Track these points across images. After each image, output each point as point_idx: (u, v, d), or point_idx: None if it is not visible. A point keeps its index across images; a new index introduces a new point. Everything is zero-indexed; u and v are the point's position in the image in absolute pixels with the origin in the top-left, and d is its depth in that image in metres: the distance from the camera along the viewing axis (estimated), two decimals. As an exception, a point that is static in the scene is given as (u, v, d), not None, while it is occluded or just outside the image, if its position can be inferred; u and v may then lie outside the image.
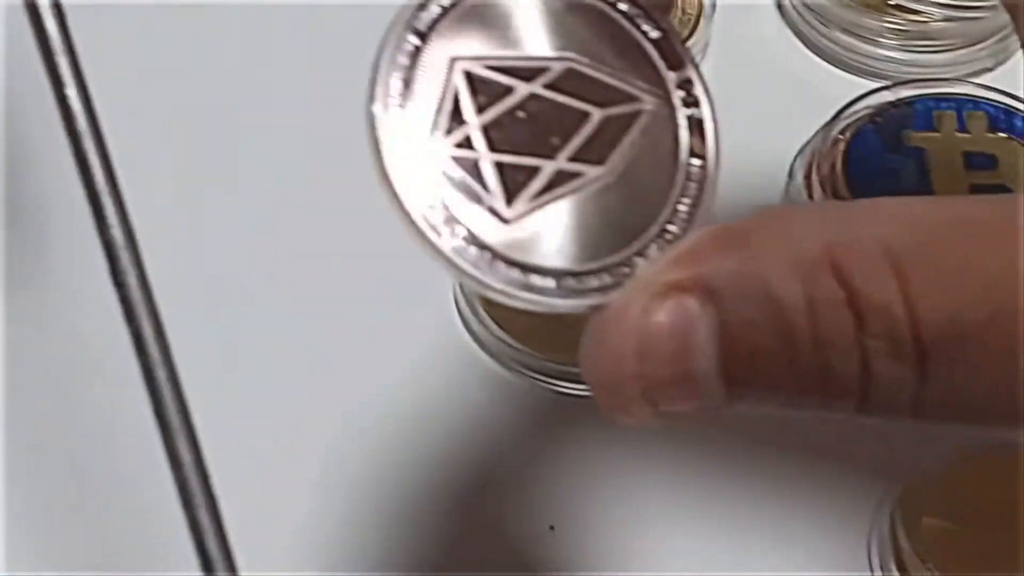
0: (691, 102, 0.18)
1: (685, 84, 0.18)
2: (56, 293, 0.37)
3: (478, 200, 0.17)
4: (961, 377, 0.17)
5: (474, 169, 0.17)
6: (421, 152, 0.17)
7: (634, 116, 0.18)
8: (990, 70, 0.31)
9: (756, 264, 0.16)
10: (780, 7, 0.32)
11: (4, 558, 0.32)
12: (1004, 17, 0.31)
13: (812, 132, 0.29)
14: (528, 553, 0.31)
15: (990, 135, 0.27)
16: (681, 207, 0.18)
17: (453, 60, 0.18)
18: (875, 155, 0.27)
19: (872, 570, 0.27)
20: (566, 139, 0.18)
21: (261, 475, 0.32)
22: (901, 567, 0.26)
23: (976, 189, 0.25)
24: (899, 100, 0.27)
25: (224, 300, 0.36)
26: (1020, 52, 0.31)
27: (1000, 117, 0.27)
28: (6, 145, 0.41)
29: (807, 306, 0.16)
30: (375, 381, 0.32)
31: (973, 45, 0.30)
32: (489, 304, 0.31)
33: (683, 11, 0.33)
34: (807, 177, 0.27)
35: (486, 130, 0.17)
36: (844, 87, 0.30)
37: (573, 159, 0.18)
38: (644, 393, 0.16)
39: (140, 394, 0.33)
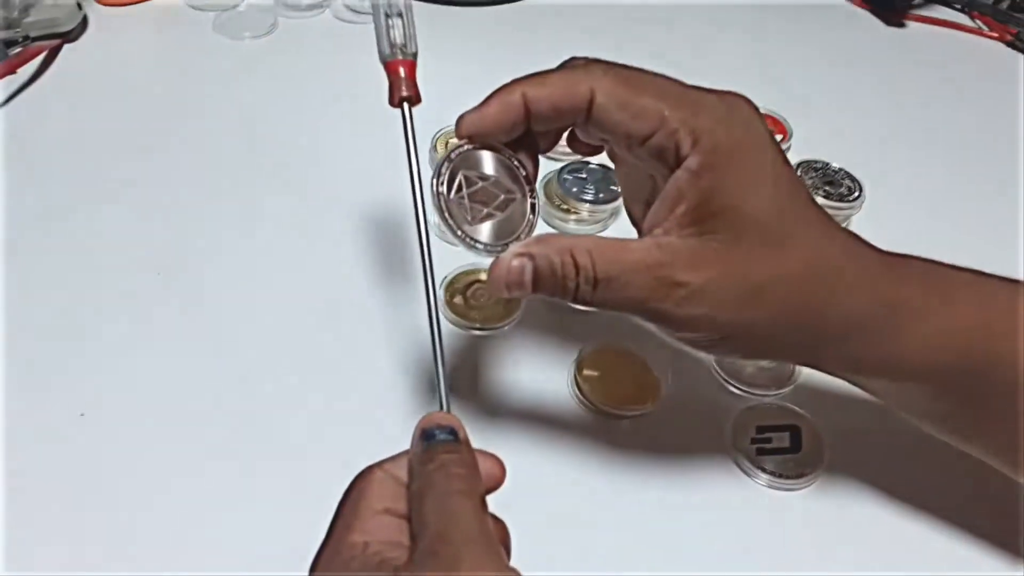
0: (533, 197, 0.35)
1: (531, 191, 0.35)
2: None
3: (465, 219, 0.33)
4: (608, 292, 0.32)
5: (462, 206, 0.33)
6: (447, 201, 0.32)
7: (515, 199, 0.34)
8: (603, 230, 0.53)
9: (546, 250, 0.32)
10: (533, 210, 0.39)
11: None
12: (607, 213, 0.53)
13: None
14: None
15: None
16: (526, 229, 0.34)
17: (460, 170, 0.33)
18: None
19: (572, 396, 0.45)
20: (492, 201, 0.33)
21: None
22: (582, 394, 0.46)
23: None
24: None
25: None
26: (611, 225, 0.54)
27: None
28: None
29: (561, 264, 0.32)
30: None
31: (597, 223, 0.54)
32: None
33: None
34: None
35: (469, 195, 0.33)
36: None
37: (495, 208, 0.33)
38: (507, 286, 0.33)
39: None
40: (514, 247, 0.34)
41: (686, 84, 0.35)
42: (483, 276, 0.51)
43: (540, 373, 0.47)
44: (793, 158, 0.61)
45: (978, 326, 0.34)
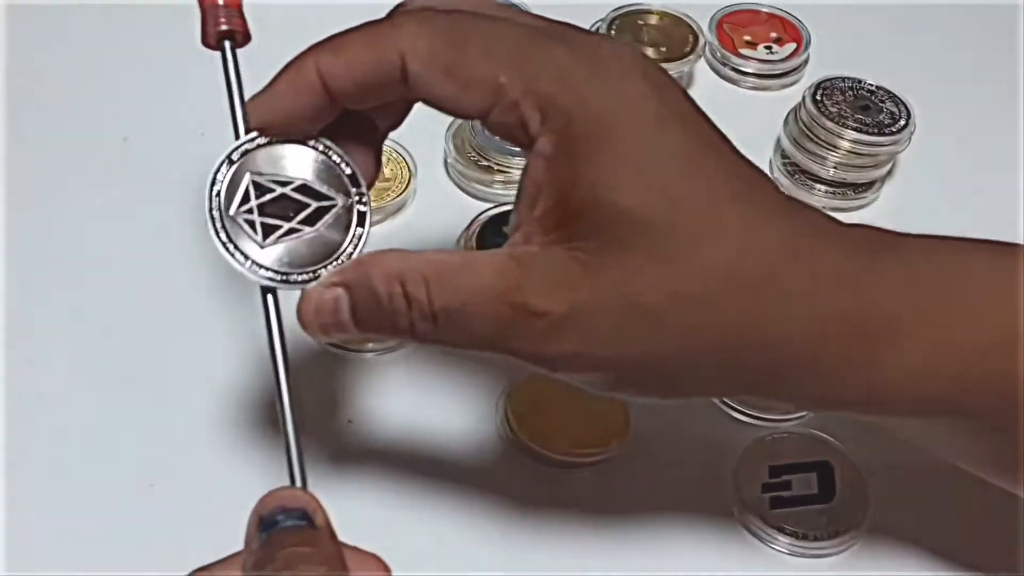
0: (363, 202, 0.31)
1: (361, 194, 0.31)
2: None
3: (252, 239, 0.30)
4: (451, 329, 0.29)
5: (248, 223, 0.30)
6: (228, 218, 0.29)
7: (332, 207, 0.31)
8: None
9: (367, 276, 0.29)
10: (446, 167, 0.48)
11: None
12: None
13: (461, 229, 0.44)
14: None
15: None
16: (348, 250, 0.31)
17: (247, 174, 0.30)
18: (490, 236, 0.44)
19: (502, 438, 0.40)
20: (295, 214, 0.30)
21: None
22: (514, 434, 0.40)
23: None
24: (499, 212, 0.44)
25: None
26: None
27: None
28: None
29: (388, 296, 0.29)
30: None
31: None
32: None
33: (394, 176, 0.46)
34: (462, 246, 0.43)
35: (260, 208, 0.30)
36: (477, 206, 0.46)
37: (299, 223, 0.30)
38: (321, 328, 0.30)
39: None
40: (325, 275, 0.30)
41: (541, 27, 0.31)
42: None
43: (455, 410, 0.41)
44: (812, 74, 0.56)
45: (1006, 343, 0.31)
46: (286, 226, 0.31)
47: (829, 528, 0.39)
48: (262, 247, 0.30)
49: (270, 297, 0.30)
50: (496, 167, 0.49)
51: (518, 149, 0.43)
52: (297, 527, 0.26)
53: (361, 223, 0.32)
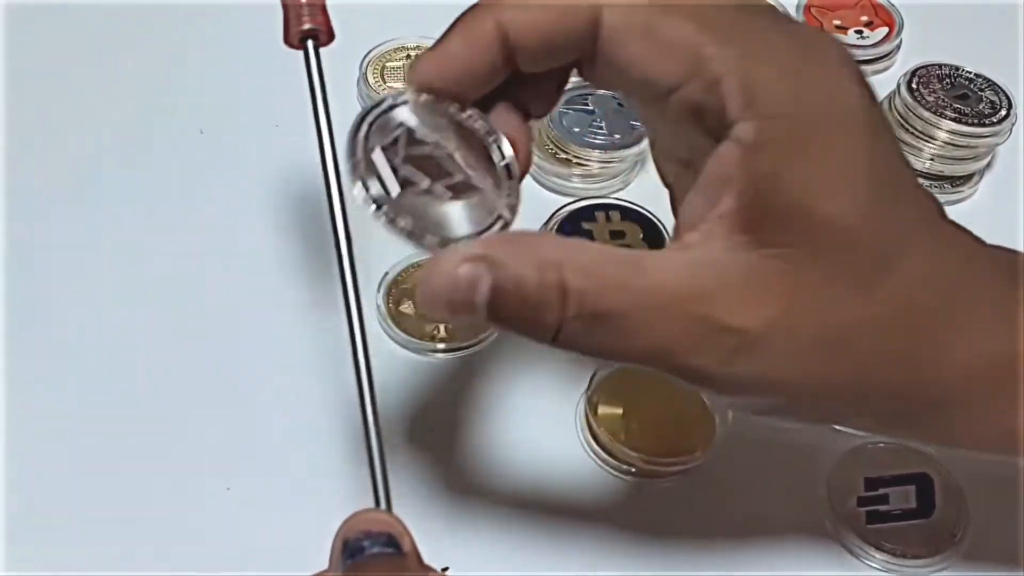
0: (512, 195, 0.30)
1: (511, 187, 0.30)
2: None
3: (391, 182, 0.28)
4: (611, 336, 0.27)
5: (393, 166, 0.28)
6: (367, 151, 0.28)
7: (479, 189, 0.29)
8: (620, 190, 0.47)
9: (517, 256, 0.26)
10: None
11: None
12: (625, 165, 0.46)
13: (540, 224, 0.43)
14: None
15: (622, 221, 0.43)
16: (490, 229, 0.29)
17: (401, 122, 0.28)
18: (568, 234, 0.42)
19: (583, 445, 0.39)
20: (443, 177, 0.29)
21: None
22: (594, 436, 0.39)
23: None
24: (579, 207, 0.44)
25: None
26: (634, 181, 0.47)
27: (626, 212, 0.43)
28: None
29: (538, 285, 0.26)
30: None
31: (613, 178, 0.46)
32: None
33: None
34: None
35: (409, 158, 0.28)
36: (555, 201, 0.45)
37: (445, 187, 0.29)
38: (448, 305, 0.26)
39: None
40: (465, 245, 0.27)
41: (743, 2, 0.29)
42: None
43: (535, 415, 0.40)
44: (905, 60, 0.54)
45: None
46: (430, 184, 0.29)
47: (928, 545, 0.38)
48: (399, 195, 0.28)
49: (352, 295, 0.29)
50: (575, 160, 0.47)
51: (599, 142, 0.46)
52: (384, 554, 0.26)
53: (511, 213, 0.30)
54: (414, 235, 0.28)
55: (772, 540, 0.38)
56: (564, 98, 0.46)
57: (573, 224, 0.44)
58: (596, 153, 0.47)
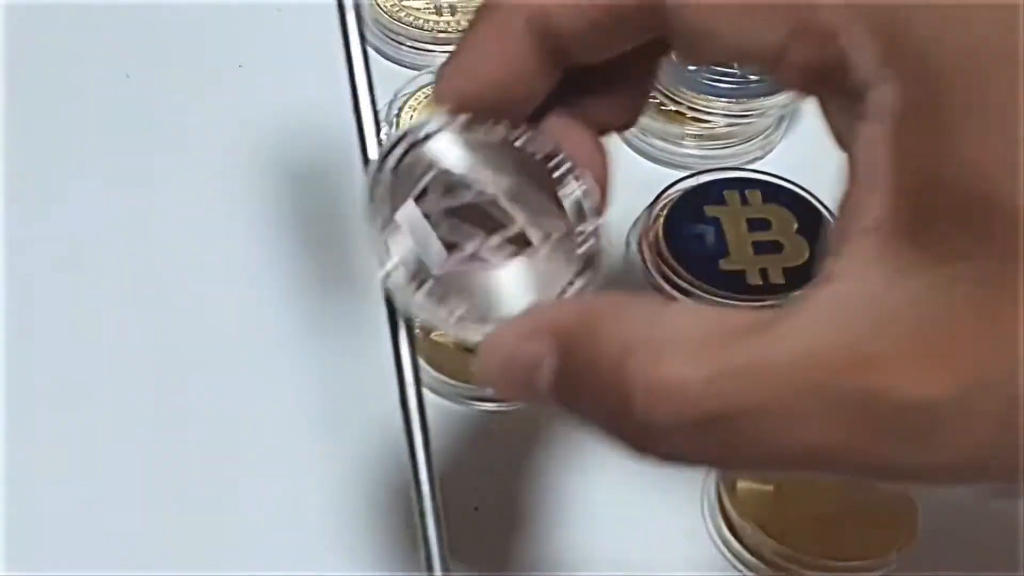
0: (591, 236, 0.28)
1: (591, 226, 0.28)
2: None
3: (431, 249, 0.26)
4: (724, 443, 0.23)
5: (433, 224, 0.27)
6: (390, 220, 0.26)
7: (548, 237, 0.27)
8: (760, 158, 0.42)
9: (592, 335, 0.24)
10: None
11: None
12: (768, 121, 0.43)
13: (639, 212, 0.39)
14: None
15: (764, 205, 0.38)
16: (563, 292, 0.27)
17: (434, 165, 0.27)
18: (685, 225, 0.37)
19: (706, 524, 0.36)
20: (495, 231, 0.27)
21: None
22: (729, 525, 0.35)
23: (757, 245, 0.36)
24: (699, 184, 0.39)
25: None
26: (780, 144, 0.43)
27: (770, 192, 0.38)
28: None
29: (615, 375, 0.24)
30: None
31: (747, 141, 0.42)
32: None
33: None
34: (639, 244, 0.37)
35: (448, 211, 0.27)
36: (660, 177, 0.41)
37: (496, 247, 0.27)
38: (506, 386, 0.25)
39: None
40: (524, 315, 0.26)
41: None
42: None
43: (636, 493, 0.36)
44: None
45: None
46: (475, 244, 0.27)
47: None
48: (438, 264, 0.27)
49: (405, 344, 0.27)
50: (691, 114, 0.42)
51: (727, 87, 0.41)
52: None
53: (588, 267, 0.28)
54: (469, 323, 0.27)
55: None
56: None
57: (691, 210, 0.38)
58: (723, 103, 0.42)
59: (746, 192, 0.39)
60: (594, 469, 0.37)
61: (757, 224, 0.38)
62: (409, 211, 0.27)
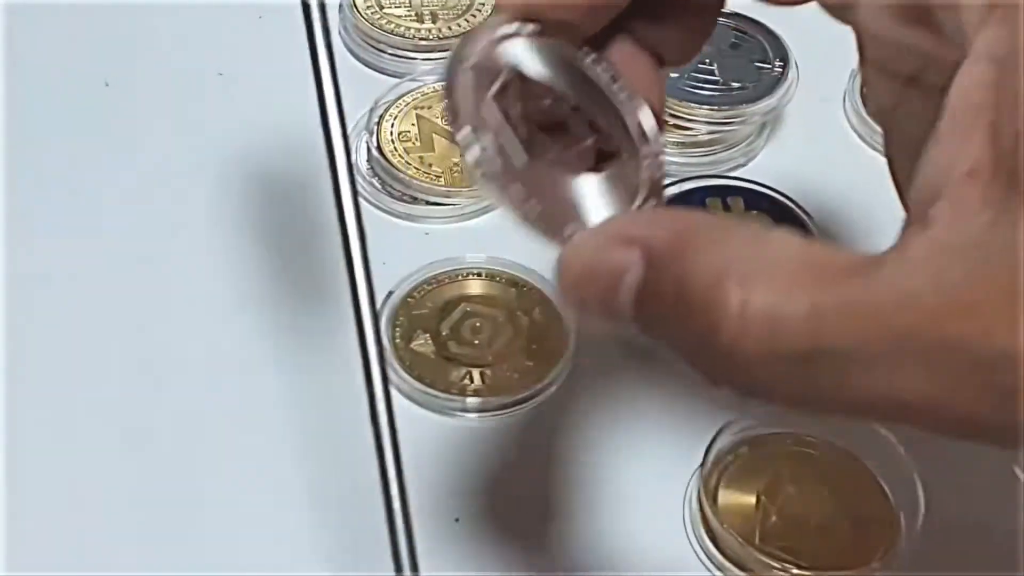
0: (654, 156, 0.28)
1: (652, 149, 0.28)
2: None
3: (514, 143, 0.27)
4: (816, 377, 0.23)
5: (509, 121, 0.27)
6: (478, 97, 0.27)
7: (616, 158, 0.28)
8: (743, 166, 0.42)
9: (682, 252, 0.24)
10: None
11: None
12: (749, 128, 0.43)
13: None
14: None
15: (746, 212, 0.39)
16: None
17: (508, 66, 0.27)
18: None
19: (689, 539, 0.36)
20: (565, 140, 0.27)
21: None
22: (712, 537, 0.35)
23: None
24: (681, 192, 0.39)
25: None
26: (762, 152, 0.43)
27: (752, 199, 0.39)
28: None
29: (706, 296, 0.23)
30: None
31: (729, 149, 0.42)
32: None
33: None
34: None
35: (523, 113, 0.27)
36: None
37: (570, 155, 0.27)
38: (580, 301, 0.25)
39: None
40: (613, 221, 0.26)
41: None
42: (475, 287, 0.41)
43: (618, 503, 0.37)
44: None
45: None
46: (556, 150, 0.28)
47: None
48: (523, 167, 0.27)
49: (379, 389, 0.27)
50: (673, 121, 0.42)
51: (708, 94, 0.42)
52: None
53: (654, 191, 0.28)
54: (549, 224, 0.26)
55: None
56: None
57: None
58: (705, 110, 0.42)
59: (728, 199, 0.40)
60: (574, 481, 0.37)
61: (741, 231, 0.38)
62: (489, 106, 0.27)
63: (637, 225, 0.25)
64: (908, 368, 0.22)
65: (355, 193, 0.28)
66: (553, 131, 0.28)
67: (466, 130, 0.26)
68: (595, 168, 0.28)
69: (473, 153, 0.26)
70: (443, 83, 0.27)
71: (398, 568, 0.27)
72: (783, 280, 0.23)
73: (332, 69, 0.28)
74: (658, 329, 0.25)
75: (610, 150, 0.28)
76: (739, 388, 0.24)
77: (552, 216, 0.26)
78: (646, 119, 0.28)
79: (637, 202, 0.27)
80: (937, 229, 0.23)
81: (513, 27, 0.28)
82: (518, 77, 0.28)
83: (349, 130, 0.38)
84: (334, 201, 0.28)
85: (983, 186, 0.23)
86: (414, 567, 0.27)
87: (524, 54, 0.28)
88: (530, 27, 0.28)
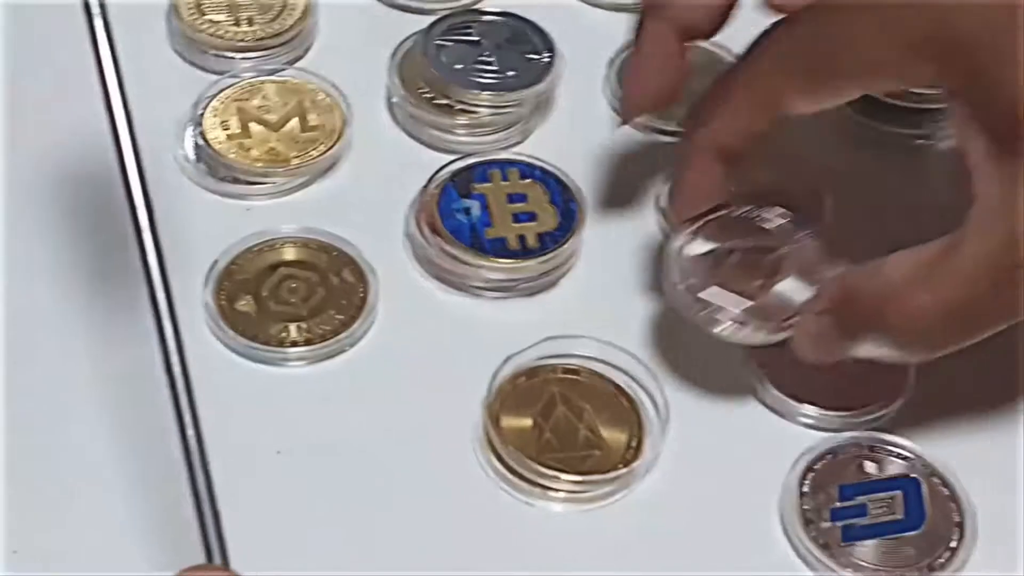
0: (804, 233, 0.38)
1: (800, 227, 0.38)
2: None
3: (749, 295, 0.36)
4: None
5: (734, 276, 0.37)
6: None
7: (788, 246, 0.37)
8: (520, 143, 0.45)
9: (853, 294, 0.34)
10: (391, 108, 0.45)
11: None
12: (524, 110, 0.45)
13: (415, 191, 0.41)
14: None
15: (521, 181, 0.42)
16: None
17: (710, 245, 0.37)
18: (455, 200, 0.40)
19: (476, 455, 0.38)
20: (760, 265, 0.37)
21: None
22: (495, 451, 0.37)
23: (516, 215, 0.40)
24: (466, 165, 0.41)
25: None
26: (536, 131, 0.46)
27: (527, 170, 0.42)
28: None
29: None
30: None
31: (508, 128, 0.45)
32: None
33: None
34: (416, 220, 0.40)
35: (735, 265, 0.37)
36: (434, 160, 0.43)
37: (767, 275, 0.37)
38: (818, 355, 0.36)
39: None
40: (810, 302, 0.37)
41: None
42: (291, 253, 0.42)
43: (418, 435, 0.38)
44: None
45: None
46: (759, 280, 0.37)
47: (917, 559, 0.36)
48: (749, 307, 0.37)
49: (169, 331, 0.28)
50: (459, 106, 0.45)
51: (488, 81, 0.44)
52: None
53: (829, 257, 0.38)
54: (771, 331, 0.36)
55: (724, 562, 0.37)
56: (441, 26, 0.46)
57: (461, 187, 0.41)
58: (485, 96, 0.44)
59: (507, 171, 0.43)
60: (382, 417, 0.38)
61: (516, 198, 0.42)
62: (715, 290, 0.36)
63: (823, 295, 0.35)
64: (989, 300, 0.32)
65: (140, 166, 0.29)
66: (749, 268, 0.37)
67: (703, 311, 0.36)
68: (783, 271, 0.37)
69: (723, 332, 0.36)
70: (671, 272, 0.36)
71: (198, 505, 0.28)
72: (911, 285, 0.32)
73: (117, 70, 0.29)
74: (862, 344, 0.34)
75: (786, 248, 0.37)
76: (927, 354, 0.33)
77: (774, 328, 0.36)
78: (781, 212, 0.38)
79: (825, 268, 0.36)
80: (978, 201, 0.31)
81: (694, 226, 0.37)
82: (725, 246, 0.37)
83: (177, 123, 0.41)
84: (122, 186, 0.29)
85: (994, 162, 0.30)
86: (211, 498, 0.28)
87: (709, 240, 0.37)
88: (694, 225, 0.37)
